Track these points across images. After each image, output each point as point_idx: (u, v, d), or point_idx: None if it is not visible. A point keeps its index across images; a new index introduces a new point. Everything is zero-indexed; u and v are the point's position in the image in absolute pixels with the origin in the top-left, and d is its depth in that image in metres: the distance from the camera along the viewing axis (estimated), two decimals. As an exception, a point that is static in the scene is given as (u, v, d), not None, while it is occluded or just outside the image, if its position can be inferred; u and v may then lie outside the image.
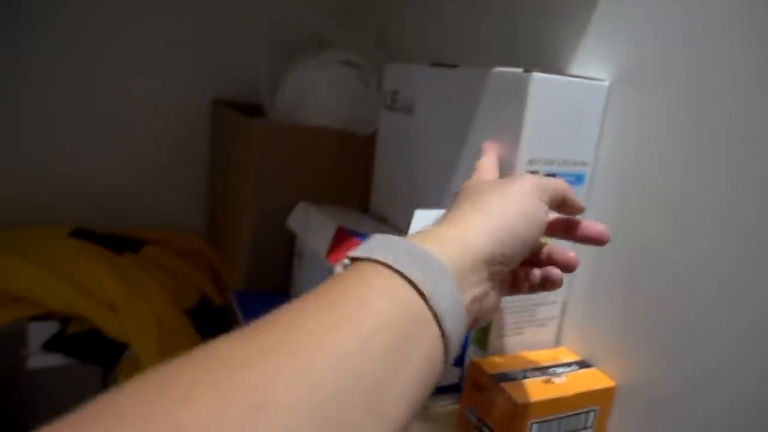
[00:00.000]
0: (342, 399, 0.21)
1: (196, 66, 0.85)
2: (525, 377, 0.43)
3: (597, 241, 0.37)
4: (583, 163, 0.46)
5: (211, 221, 0.88)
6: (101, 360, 0.67)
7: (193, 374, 0.20)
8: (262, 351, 0.21)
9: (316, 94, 0.66)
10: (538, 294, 0.47)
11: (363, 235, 0.51)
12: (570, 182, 0.45)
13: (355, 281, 0.25)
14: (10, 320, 0.64)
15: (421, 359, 0.25)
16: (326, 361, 0.21)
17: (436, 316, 0.26)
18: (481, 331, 0.47)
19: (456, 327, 0.27)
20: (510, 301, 0.46)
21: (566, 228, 0.38)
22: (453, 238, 0.29)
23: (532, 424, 0.41)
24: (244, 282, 0.65)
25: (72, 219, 0.77)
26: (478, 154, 0.48)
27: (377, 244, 0.28)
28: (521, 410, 0.40)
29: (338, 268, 0.28)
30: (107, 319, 0.66)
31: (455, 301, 0.27)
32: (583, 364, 0.47)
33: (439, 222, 0.32)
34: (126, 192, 0.85)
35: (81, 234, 0.72)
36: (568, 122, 0.44)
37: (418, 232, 0.30)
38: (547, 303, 0.48)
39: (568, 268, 0.37)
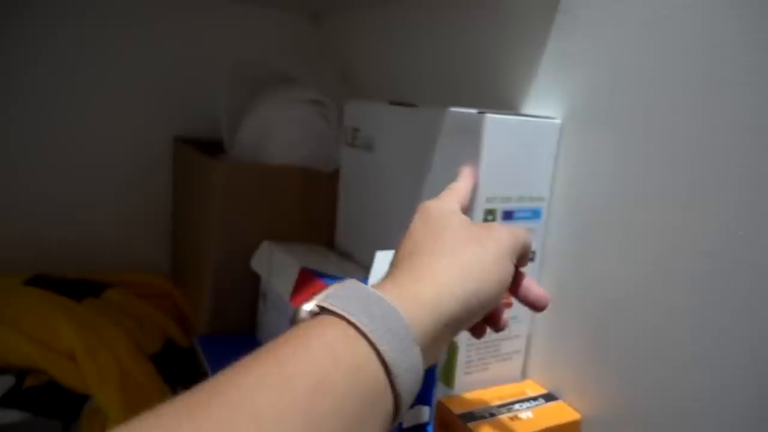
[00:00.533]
0: None
1: (157, 103, 0.84)
2: (492, 415, 0.43)
3: (534, 305, 0.36)
4: (540, 199, 0.47)
5: (175, 261, 0.87)
6: (61, 413, 0.64)
7: None
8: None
9: (279, 132, 0.66)
10: (502, 329, 0.48)
11: (327, 276, 0.51)
12: (527, 218, 0.46)
13: (317, 346, 0.24)
14: (-39, 376, 0.61)
15: (373, 422, 0.24)
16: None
17: (394, 389, 0.25)
18: (448, 369, 0.47)
19: (412, 394, 0.27)
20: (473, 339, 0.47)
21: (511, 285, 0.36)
22: (428, 303, 0.28)
23: (500, 463, 0.41)
24: (207, 325, 0.64)
25: (31, 264, 0.75)
26: (438, 190, 0.48)
27: (349, 297, 0.26)
28: (489, 450, 0.40)
29: (303, 314, 0.27)
30: (66, 369, 0.63)
31: (417, 375, 0.26)
32: (549, 397, 0.47)
33: (409, 266, 0.31)
34: (88, 233, 0.83)
35: (37, 282, 0.70)
36: (523, 160, 0.45)
37: (390, 281, 0.30)
38: (512, 337, 0.49)
39: (538, 306, 0.36)
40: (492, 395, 0.46)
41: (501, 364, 0.49)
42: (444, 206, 0.36)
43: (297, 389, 0.22)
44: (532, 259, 0.47)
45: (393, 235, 0.55)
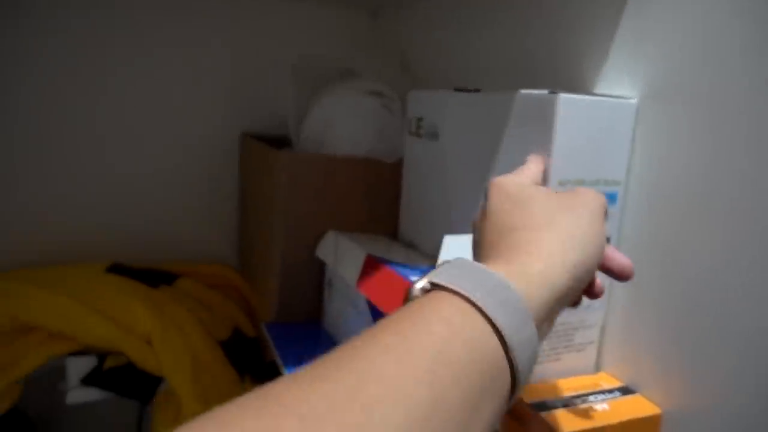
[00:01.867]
0: None
1: (224, 100, 0.87)
2: (565, 405, 0.42)
3: (620, 274, 0.34)
4: (615, 182, 0.45)
5: (242, 253, 0.89)
6: (137, 394, 0.68)
7: (256, 423, 0.18)
8: (333, 407, 0.19)
9: (343, 124, 0.67)
10: (575, 317, 0.46)
11: (393, 263, 0.51)
12: (602, 202, 0.44)
13: (434, 319, 0.24)
14: (48, 357, 0.65)
15: (491, 411, 0.24)
16: (397, 420, 0.20)
17: (513, 366, 0.25)
18: (517, 357, 0.46)
19: (528, 374, 0.26)
20: (546, 327, 0.45)
21: None
22: (539, 276, 0.28)
23: (574, 455, 0.39)
24: (275, 313, 0.65)
25: (107, 254, 0.79)
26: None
27: (461, 274, 0.26)
28: (563, 440, 0.39)
29: (415, 292, 0.27)
30: (143, 352, 0.66)
31: (533, 350, 0.26)
32: (625, 391, 0.45)
33: (506, 244, 0.30)
34: (159, 227, 0.87)
35: (117, 269, 0.74)
36: (598, 142, 0.44)
37: (491, 261, 0.29)
38: (585, 327, 0.47)
39: (624, 275, 0.34)
40: (564, 386, 0.45)
41: (573, 355, 0.47)
42: (519, 180, 0.35)
43: (419, 360, 0.22)
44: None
45: (457, 225, 0.54)
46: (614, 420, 0.41)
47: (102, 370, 0.67)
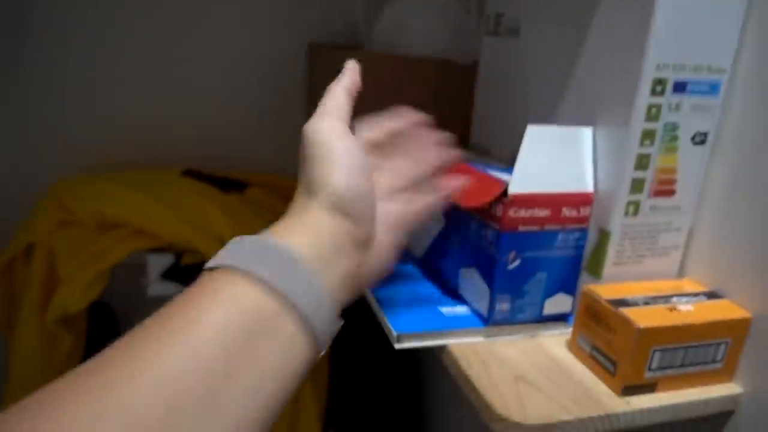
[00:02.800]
0: (169, 420, 0.22)
1: (292, 10, 0.86)
2: (646, 304, 0.40)
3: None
4: (720, 70, 0.41)
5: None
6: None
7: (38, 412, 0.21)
8: (90, 389, 0.22)
9: (415, 24, 0.64)
10: (661, 220, 0.44)
11: (470, 162, 0.49)
12: (702, 92, 0.40)
13: (195, 294, 0.26)
14: (131, 251, 0.69)
15: (274, 353, 0.26)
16: (147, 389, 0.22)
17: (291, 306, 0.26)
18: (596, 257, 0.44)
19: (320, 310, 0.28)
20: (629, 227, 0.43)
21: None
22: (299, 225, 0.31)
23: (654, 351, 0.38)
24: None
25: (178, 162, 0.82)
26: (592, 73, 0.44)
27: (229, 247, 0.29)
28: (643, 336, 0.37)
29: (203, 276, 0.28)
30: (216, 251, 0.69)
31: (313, 285, 0.28)
32: (712, 295, 0.43)
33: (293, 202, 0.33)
34: (229, 136, 0.89)
35: (191, 174, 0.76)
36: (703, 23, 0.39)
37: (274, 225, 0.31)
38: (671, 230, 0.44)
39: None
40: (646, 287, 0.43)
41: (657, 259, 0.45)
42: (314, 129, 0.34)
43: (175, 324, 0.25)
44: (701, 143, 0.42)
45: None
46: (699, 320, 0.39)
47: (179, 266, 0.70)
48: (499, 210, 0.41)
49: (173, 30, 0.81)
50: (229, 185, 0.77)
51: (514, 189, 0.41)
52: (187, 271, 0.70)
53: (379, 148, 0.39)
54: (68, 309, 0.69)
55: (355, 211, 0.32)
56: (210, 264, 0.28)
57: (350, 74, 0.39)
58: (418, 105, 0.64)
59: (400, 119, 0.41)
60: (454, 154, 0.41)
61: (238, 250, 0.29)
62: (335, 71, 0.69)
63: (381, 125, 0.40)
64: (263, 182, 0.84)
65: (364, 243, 0.33)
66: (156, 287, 0.70)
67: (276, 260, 0.28)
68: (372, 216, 0.34)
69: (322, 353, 0.29)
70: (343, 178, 0.32)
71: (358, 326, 0.65)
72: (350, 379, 0.88)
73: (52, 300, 0.69)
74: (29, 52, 0.77)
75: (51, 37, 0.77)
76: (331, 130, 0.34)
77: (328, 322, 0.29)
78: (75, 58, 0.79)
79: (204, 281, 0.27)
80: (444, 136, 0.42)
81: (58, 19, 0.77)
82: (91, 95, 0.80)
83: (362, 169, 0.33)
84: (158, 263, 0.70)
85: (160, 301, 0.74)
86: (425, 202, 0.38)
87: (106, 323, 0.82)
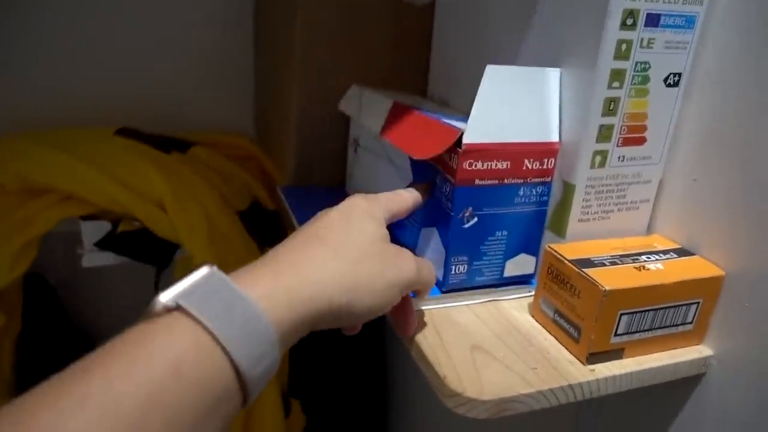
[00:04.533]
0: None
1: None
2: (613, 263, 0.37)
3: (399, 330, 0.37)
4: (697, 2, 0.36)
5: (259, 124, 0.84)
6: (153, 259, 0.66)
7: None
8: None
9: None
10: (630, 171, 0.40)
11: (424, 110, 0.45)
12: (676, 26, 0.36)
13: (158, 355, 0.22)
14: (61, 218, 0.63)
15: (214, 422, 0.23)
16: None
17: (245, 390, 0.24)
18: (559, 214, 0.40)
19: (266, 382, 0.26)
20: (595, 180, 0.39)
21: None
22: (299, 302, 0.27)
23: (621, 314, 0.35)
24: (292, 177, 0.61)
25: (116, 121, 0.75)
26: (557, 7, 0.39)
27: (210, 295, 0.24)
28: (609, 298, 0.34)
29: (158, 306, 0.24)
30: (156, 217, 0.63)
31: (273, 367, 0.26)
32: (682, 252, 0.39)
33: (299, 253, 0.30)
34: (171, 93, 0.81)
35: (127, 133, 0.70)
36: (680, -53, 0.35)
37: (270, 266, 0.28)
38: (640, 182, 0.41)
39: (399, 332, 0.38)
40: (613, 245, 0.39)
41: (625, 214, 0.41)
42: (371, 210, 0.34)
43: (124, 409, 0.20)
44: (673, 85, 0.38)
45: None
46: (669, 279, 0.36)
47: (116, 234, 0.65)
48: (453, 162, 0.37)
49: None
50: (170, 145, 0.71)
51: (468, 138, 0.36)
52: (123, 238, 0.64)
53: None
54: (-6, 283, 0.63)
55: (351, 315, 0.30)
56: (181, 299, 0.24)
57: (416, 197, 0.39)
58: (372, 52, 0.59)
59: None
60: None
61: (222, 301, 0.25)
62: (283, 12, 0.62)
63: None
64: (209, 142, 0.77)
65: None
66: (91, 257, 0.64)
67: (261, 346, 0.25)
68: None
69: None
70: (366, 289, 0.30)
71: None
72: (313, 347, 0.85)
73: (-24, 274, 0.63)
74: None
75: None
76: (378, 226, 0.33)
77: (264, 373, 0.25)
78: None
79: (151, 326, 0.23)
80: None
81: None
82: (12, 47, 0.72)
83: (392, 288, 0.32)
84: (92, 231, 0.64)
85: (98, 273, 0.69)
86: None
87: (43, 297, 0.76)
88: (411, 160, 0.46)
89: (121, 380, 0.21)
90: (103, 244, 0.64)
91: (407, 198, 0.38)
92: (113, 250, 0.64)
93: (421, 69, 0.59)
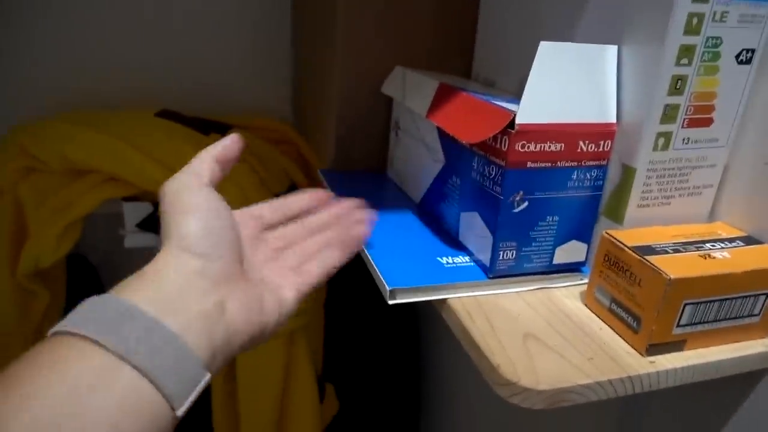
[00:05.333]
0: None
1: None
2: (676, 251, 0.35)
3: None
4: (776, -29, 0.34)
5: (298, 109, 0.83)
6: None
7: None
8: None
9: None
10: (694, 154, 0.38)
11: (471, 92, 0.43)
12: (754, -1, 0.34)
13: (32, 361, 0.24)
14: (104, 200, 0.64)
15: (113, 409, 0.24)
16: None
17: (126, 362, 0.25)
18: (617, 198, 0.39)
19: (161, 361, 0.25)
20: (658, 163, 0.37)
21: None
22: (143, 278, 0.28)
23: (685, 304, 0.33)
24: (332, 160, 0.60)
25: (157, 104, 0.75)
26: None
27: (78, 311, 0.26)
28: (674, 287, 0.32)
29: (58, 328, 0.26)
30: (197, 200, 0.63)
31: (152, 337, 0.26)
32: (750, 240, 0.37)
33: (163, 259, 0.30)
34: (210, 77, 0.81)
35: (167, 115, 0.70)
36: None
37: (150, 278, 0.29)
38: (705, 166, 0.39)
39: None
40: (674, 232, 0.37)
41: (686, 200, 0.39)
42: (179, 184, 0.33)
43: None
44: (746, 62, 0.36)
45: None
46: (739, 268, 0.33)
47: (156, 215, 0.65)
48: (504, 144, 0.35)
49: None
50: (209, 127, 0.71)
51: (522, 119, 0.34)
52: (165, 220, 0.64)
53: (272, 228, 0.38)
54: (39, 262, 0.64)
55: (203, 249, 0.30)
56: (55, 329, 0.26)
57: (224, 145, 0.37)
58: (416, 34, 0.57)
59: (302, 199, 0.41)
60: (366, 216, 0.40)
61: (80, 312, 0.26)
62: (320, 4, 0.61)
63: (279, 205, 0.40)
64: (247, 125, 0.77)
65: (223, 279, 0.30)
66: (133, 238, 0.65)
67: (109, 318, 0.26)
68: (231, 251, 0.31)
69: (186, 407, 0.26)
70: (191, 222, 0.30)
71: (353, 277, 0.61)
72: (347, 332, 0.85)
73: (22, 253, 0.64)
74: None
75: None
76: (183, 184, 0.33)
77: (176, 371, 0.26)
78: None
79: (44, 347, 0.25)
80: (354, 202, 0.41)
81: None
82: (55, 30, 0.73)
83: (215, 212, 0.32)
84: (135, 212, 0.65)
85: (139, 253, 0.69)
86: (326, 260, 0.37)
87: (85, 277, 0.78)
88: (442, 139, 0.45)
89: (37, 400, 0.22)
90: (144, 225, 0.64)
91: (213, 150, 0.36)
92: (154, 231, 0.65)
93: (464, 50, 0.57)
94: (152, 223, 0.65)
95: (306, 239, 0.38)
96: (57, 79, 0.74)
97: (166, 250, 0.30)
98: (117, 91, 0.77)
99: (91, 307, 0.26)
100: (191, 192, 0.32)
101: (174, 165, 0.63)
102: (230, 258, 0.31)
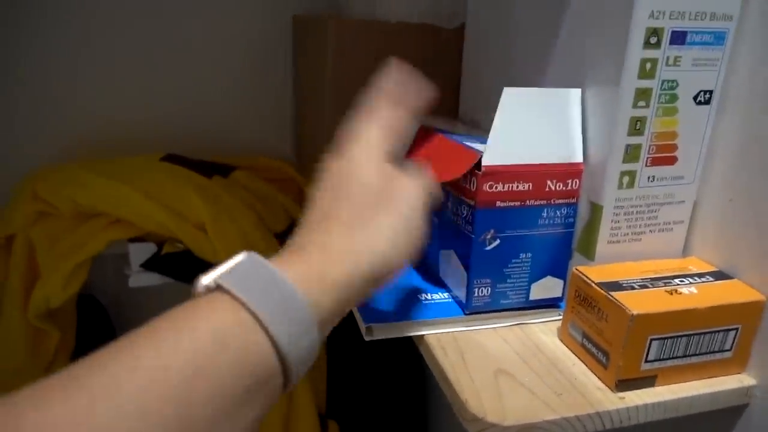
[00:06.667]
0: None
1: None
2: (643, 287, 0.35)
3: None
4: (726, 17, 0.35)
5: (298, 147, 0.86)
6: (195, 279, 0.68)
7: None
8: (69, 394, 0.20)
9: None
10: (661, 191, 0.39)
11: (449, 133, 0.45)
12: (705, 43, 0.35)
13: (202, 329, 0.23)
14: (110, 241, 0.66)
15: (253, 416, 0.24)
16: (121, 399, 0.20)
17: (286, 370, 0.25)
18: (587, 235, 0.40)
19: (306, 366, 0.26)
20: (624, 200, 0.38)
21: None
22: (334, 284, 0.28)
23: (651, 340, 0.34)
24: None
25: (162, 149, 0.78)
26: (579, 27, 0.39)
27: (249, 275, 0.25)
28: (636, 323, 0.33)
29: (200, 288, 0.25)
30: (198, 240, 0.66)
31: (313, 349, 0.26)
32: (720, 275, 0.38)
33: (317, 238, 0.30)
34: (213, 121, 0.85)
35: (172, 159, 0.73)
36: (706, -38, 0.34)
37: (297, 254, 0.28)
38: (673, 203, 0.39)
39: None
40: (644, 268, 0.38)
41: (658, 236, 0.40)
42: (369, 154, 0.33)
43: (172, 376, 0.21)
44: (705, 102, 0.37)
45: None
46: (703, 304, 0.34)
47: (160, 255, 0.67)
48: (473, 184, 0.37)
49: (150, 12, 0.78)
50: (212, 169, 0.74)
51: (488, 161, 0.36)
52: (168, 260, 0.67)
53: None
54: (49, 302, 0.67)
55: (385, 276, 0.30)
56: (221, 279, 0.25)
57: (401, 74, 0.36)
58: (401, 76, 0.60)
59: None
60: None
61: (261, 281, 0.25)
62: (316, 43, 0.65)
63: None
64: (250, 166, 0.80)
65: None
66: (138, 278, 0.67)
67: (301, 324, 0.25)
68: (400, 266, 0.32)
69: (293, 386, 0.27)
70: (389, 246, 0.30)
71: (352, 312, 0.62)
72: (350, 367, 0.85)
73: (33, 293, 0.67)
74: (3, 41, 0.74)
75: (25, 24, 0.74)
76: (379, 167, 0.32)
77: (305, 359, 0.26)
78: (50, 44, 0.75)
79: (193, 304, 0.25)
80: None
81: (30, 6, 0.73)
82: (67, 81, 0.77)
83: (411, 227, 0.32)
84: (139, 252, 0.67)
85: (145, 293, 0.71)
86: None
87: (95, 316, 0.80)
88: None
89: (168, 349, 0.22)
90: (148, 265, 0.67)
91: (400, 113, 0.35)
92: (158, 271, 0.67)
93: (452, 91, 0.59)
94: (156, 263, 0.67)
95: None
96: (68, 127, 0.79)
97: (351, 264, 0.29)
98: (125, 137, 0.80)
99: (266, 281, 0.26)
100: (392, 182, 0.32)
101: (177, 207, 0.67)
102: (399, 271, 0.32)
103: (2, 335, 0.69)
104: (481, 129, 0.54)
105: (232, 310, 0.24)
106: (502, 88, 0.36)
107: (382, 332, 0.39)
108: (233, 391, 0.23)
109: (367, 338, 0.39)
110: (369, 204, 0.31)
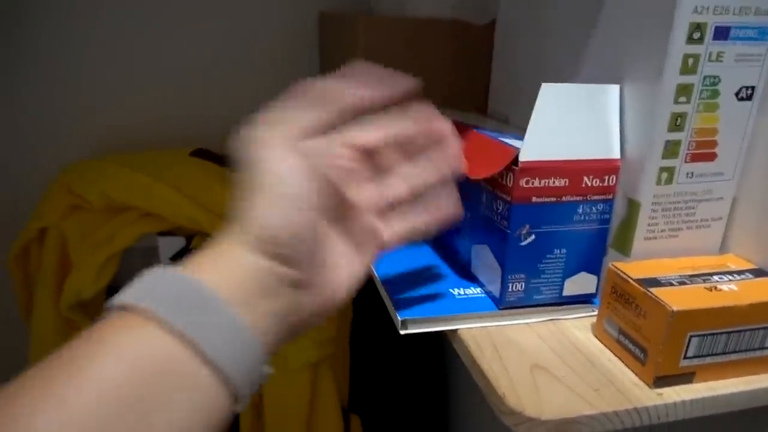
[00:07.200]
0: None
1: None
2: (682, 283, 0.35)
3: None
4: (770, 12, 0.35)
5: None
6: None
7: None
8: None
9: (425, -17, 0.59)
10: (699, 188, 0.39)
11: (482, 129, 0.45)
12: (749, 38, 0.35)
13: (95, 337, 0.23)
14: (140, 234, 0.67)
15: (184, 403, 0.23)
16: None
17: (202, 354, 0.24)
18: (624, 231, 0.39)
19: (242, 360, 0.25)
20: (662, 197, 0.38)
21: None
22: (218, 262, 0.27)
23: (690, 336, 0.33)
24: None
25: (190, 143, 0.79)
26: (618, 21, 0.39)
27: (138, 285, 0.25)
28: (677, 319, 0.32)
29: (113, 307, 0.25)
30: (226, 234, 0.67)
31: (231, 331, 0.25)
32: (759, 273, 0.37)
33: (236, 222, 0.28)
34: (240, 115, 0.85)
35: (200, 154, 0.74)
36: (750, -44, 0.34)
37: (192, 258, 0.28)
38: (712, 199, 0.39)
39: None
40: (682, 265, 0.38)
41: (695, 233, 0.40)
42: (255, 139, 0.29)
43: (62, 378, 0.22)
44: (747, 98, 0.37)
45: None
46: (744, 301, 0.34)
47: (189, 249, 0.68)
48: (509, 180, 0.37)
49: (178, 7, 0.79)
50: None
51: (525, 156, 0.36)
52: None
53: (372, 156, 0.32)
54: (80, 294, 0.68)
55: (287, 254, 0.27)
56: (117, 300, 0.25)
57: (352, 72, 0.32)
58: (431, 71, 0.60)
59: (409, 121, 0.34)
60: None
61: (149, 286, 0.26)
62: (345, 40, 0.65)
63: (379, 128, 0.32)
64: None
65: (300, 285, 0.28)
66: (167, 271, 0.68)
67: (188, 301, 0.25)
68: (310, 259, 0.28)
69: (245, 402, 0.26)
70: (276, 215, 0.27)
71: (378, 307, 0.62)
72: (373, 362, 0.86)
73: (65, 285, 0.68)
74: (32, 40, 0.76)
75: (52, 21, 0.75)
76: (268, 145, 0.28)
77: (249, 370, 0.25)
78: (78, 40, 0.77)
79: (106, 323, 0.24)
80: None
81: (58, 3, 0.75)
82: (98, 78, 0.79)
83: (302, 201, 0.27)
84: (168, 246, 0.69)
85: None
86: (415, 221, 0.33)
87: (123, 308, 0.81)
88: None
89: (87, 379, 0.22)
90: (177, 259, 0.68)
91: (338, 88, 0.31)
92: (186, 265, 0.68)
93: (481, 87, 0.59)
94: (185, 257, 0.68)
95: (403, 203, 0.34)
96: (100, 124, 0.80)
97: (242, 239, 0.27)
98: (155, 133, 0.82)
99: (173, 287, 0.25)
100: (277, 161, 0.28)
101: (205, 201, 0.67)
102: (309, 265, 0.29)
103: (35, 325, 0.71)
104: (511, 125, 0.54)
105: (123, 319, 0.24)
106: (536, 84, 0.36)
107: (416, 326, 0.39)
108: (163, 408, 0.23)
109: (402, 332, 0.39)
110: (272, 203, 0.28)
